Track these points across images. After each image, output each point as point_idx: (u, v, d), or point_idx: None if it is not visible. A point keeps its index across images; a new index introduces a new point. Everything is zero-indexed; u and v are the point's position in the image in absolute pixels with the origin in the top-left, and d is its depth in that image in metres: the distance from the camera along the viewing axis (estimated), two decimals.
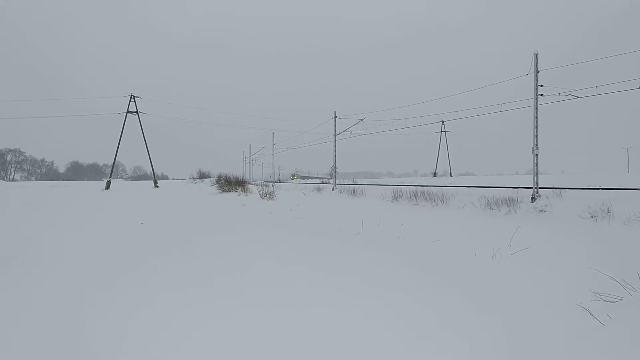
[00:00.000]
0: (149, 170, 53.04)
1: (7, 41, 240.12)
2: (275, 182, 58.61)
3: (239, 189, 31.17)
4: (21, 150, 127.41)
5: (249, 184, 36.05)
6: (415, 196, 19.19)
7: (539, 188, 15.59)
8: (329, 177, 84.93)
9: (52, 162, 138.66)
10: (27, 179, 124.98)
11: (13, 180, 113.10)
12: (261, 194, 26.11)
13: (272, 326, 5.27)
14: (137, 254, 9.53)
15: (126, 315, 5.58)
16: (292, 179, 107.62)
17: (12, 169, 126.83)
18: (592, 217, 11.39)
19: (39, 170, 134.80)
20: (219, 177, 36.16)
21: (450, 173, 69.67)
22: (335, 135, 33.70)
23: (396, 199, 20.20)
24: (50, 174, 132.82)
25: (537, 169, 16.15)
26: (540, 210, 13.29)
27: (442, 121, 61.30)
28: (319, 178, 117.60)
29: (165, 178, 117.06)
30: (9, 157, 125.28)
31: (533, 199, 14.86)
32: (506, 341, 4.90)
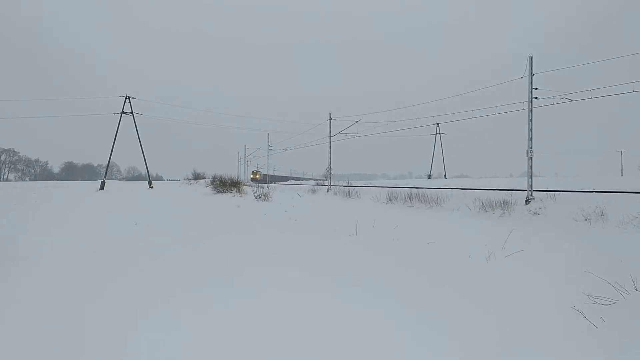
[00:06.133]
0: (143, 171, 52.80)
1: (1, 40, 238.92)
2: (271, 183, 58.44)
3: (234, 190, 31.06)
4: (15, 150, 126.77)
5: (244, 184, 35.96)
6: (409, 198, 19.22)
7: (533, 190, 15.65)
8: (324, 178, 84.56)
9: (47, 162, 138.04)
10: (21, 179, 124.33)
11: (7, 180, 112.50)
12: (256, 195, 26.05)
13: (268, 330, 5.24)
14: (131, 256, 9.44)
15: (122, 320, 5.52)
16: (251, 177, 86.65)
17: (6, 169, 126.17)
18: (585, 219, 11.44)
19: (33, 171, 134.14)
20: (214, 178, 36.01)
21: (445, 175, 69.74)
22: (330, 136, 33.72)
23: (391, 200, 20.22)
24: (44, 174, 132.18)
25: (531, 172, 16.22)
26: (534, 213, 13.34)
27: (437, 123, 61.31)
28: (295, 178, 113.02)
29: (159, 179, 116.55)
30: (2, 157, 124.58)
31: (527, 201, 14.91)
32: (500, 343, 4.89)
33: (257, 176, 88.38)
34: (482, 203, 15.23)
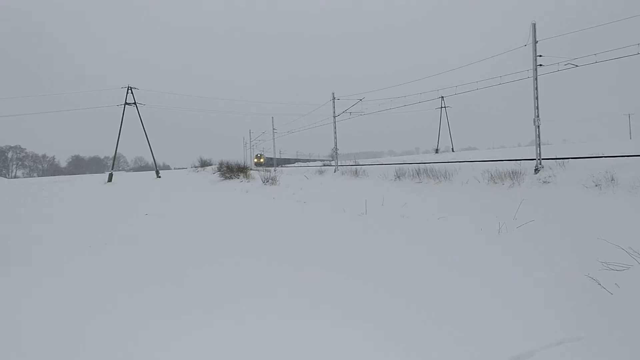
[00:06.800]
0: (150, 161, 52.99)
1: (4, 38, 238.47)
2: (278, 166, 58.46)
3: (241, 175, 31.15)
4: (22, 146, 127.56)
5: (251, 169, 36.02)
6: (418, 174, 19.16)
7: (542, 159, 15.55)
8: (331, 158, 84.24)
9: (54, 157, 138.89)
10: (29, 175, 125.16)
11: (15, 177, 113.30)
12: (263, 179, 26.10)
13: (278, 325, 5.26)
14: (143, 251, 9.39)
15: (123, 322, 5.38)
16: (255, 162, 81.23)
17: (14, 166, 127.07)
18: (596, 185, 11.35)
19: (40, 166, 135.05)
20: (221, 165, 36.08)
21: (452, 149, 69.42)
22: (334, 117, 33.54)
23: (399, 177, 20.17)
24: (52, 169, 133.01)
25: (539, 140, 16.09)
26: (544, 182, 13.26)
27: (442, 97, 60.87)
28: (301, 160, 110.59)
29: (166, 168, 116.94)
30: (9, 154, 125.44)
31: (536, 170, 14.82)
32: (516, 313, 4.90)
33: (262, 160, 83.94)
34: (491, 175, 15.15)
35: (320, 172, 32.31)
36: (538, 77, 16.11)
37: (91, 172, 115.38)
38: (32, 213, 17.53)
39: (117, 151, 45.94)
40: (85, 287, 6.61)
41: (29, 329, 5.11)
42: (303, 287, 6.12)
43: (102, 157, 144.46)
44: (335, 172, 30.62)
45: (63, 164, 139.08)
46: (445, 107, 67.55)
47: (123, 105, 43.19)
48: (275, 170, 34.33)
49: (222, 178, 32.04)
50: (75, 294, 6.25)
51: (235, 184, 27.53)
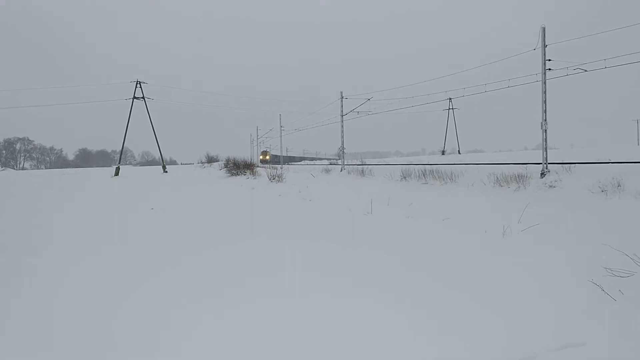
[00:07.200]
0: (157, 156, 53.39)
1: (11, 31, 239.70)
2: (285, 163, 58.54)
3: (248, 172, 31.29)
4: (30, 138, 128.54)
5: (257, 166, 36.18)
6: (424, 175, 19.19)
7: (548, 163, 15.52)
8: (338, 157, 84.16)
9: (61, 150, 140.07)
10: (37, 167, 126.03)
11: (23, 168, 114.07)
12: (270, 176, 26.18)
13: (285, 313, 5.31)
14: (150, 245, 9.46)
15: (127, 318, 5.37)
16: (260, 158, 79.78)
17: (22, 158, 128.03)
18: (602, 191, 11.35)
19: (48, 159, 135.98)
20: (227, 161, 36.24)
21: (459, 150, 69.25)
22: (342, 115, 33.57)
23: (405, 178, 20.21)
24: (59, 161, 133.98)
25: (546, 144, 16.08)
26: (550, 186, 13.27)
27: (450, 98, 60.68)
28: (308, 158, 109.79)
29: (173, 163, 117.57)
30: (17, 146, 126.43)
31: (542, 174, 14.81)
32: (518, 316, 4.93)
33: (267, 157, 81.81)
34: (497, 178, 15.16)
35: (327, 171, 32.39)
36: (547, 81, 16.08)
37: (98, 166, 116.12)
38: (47, 204, 17.68)
39: (124, 145, 46.21)
40: (110, 276, 6.70)
41: (60, 319, 5.12)
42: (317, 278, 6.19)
43: (109, 150, 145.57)
44: (341, 171, 30.68)
45: (70, 157, 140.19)
46: (452, 108, 67.45)
47: (131, 100, 43.39)
48: (281, 168, 34.41)
49: (229, 174, 32.20)
50: (102, 282, 6.34)
51: (242, 181, 27.64)
